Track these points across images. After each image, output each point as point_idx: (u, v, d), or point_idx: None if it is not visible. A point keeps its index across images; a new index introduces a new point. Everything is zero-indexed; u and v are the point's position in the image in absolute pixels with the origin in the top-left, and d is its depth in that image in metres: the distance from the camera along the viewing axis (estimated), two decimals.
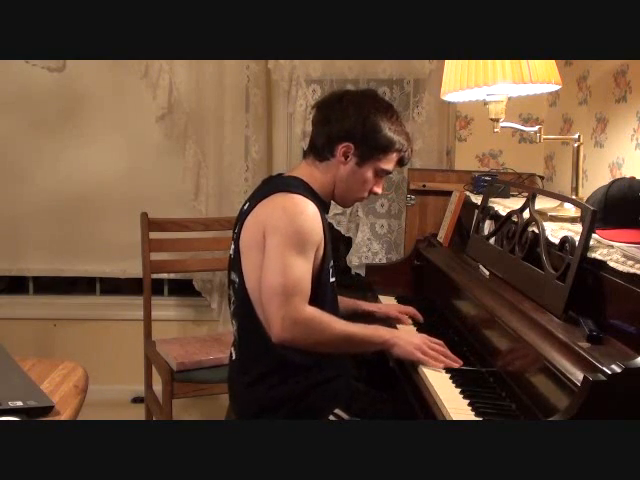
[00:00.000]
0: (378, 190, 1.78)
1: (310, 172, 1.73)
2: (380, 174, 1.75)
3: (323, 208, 1.71)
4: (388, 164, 1.73)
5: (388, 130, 1.69)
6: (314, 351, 1.61)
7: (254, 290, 1.63)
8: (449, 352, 1.65)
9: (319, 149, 1.72)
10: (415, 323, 1.98)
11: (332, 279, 1.72)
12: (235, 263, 1.69)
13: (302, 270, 1.57)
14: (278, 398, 1.63)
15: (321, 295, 1.64)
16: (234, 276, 1.70)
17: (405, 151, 1.75)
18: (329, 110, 1.73)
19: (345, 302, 1.96)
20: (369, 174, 1.72)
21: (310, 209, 1.61)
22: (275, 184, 1.70)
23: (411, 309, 2.01)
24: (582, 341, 1.29)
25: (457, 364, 1.61)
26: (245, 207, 1.73)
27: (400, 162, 1.77)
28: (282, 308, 1.54)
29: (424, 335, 1.73)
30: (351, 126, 1.67)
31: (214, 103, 2.82)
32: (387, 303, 2.04)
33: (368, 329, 1.70)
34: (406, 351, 1.63)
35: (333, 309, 1.69)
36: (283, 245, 1.56)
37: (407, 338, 1.67)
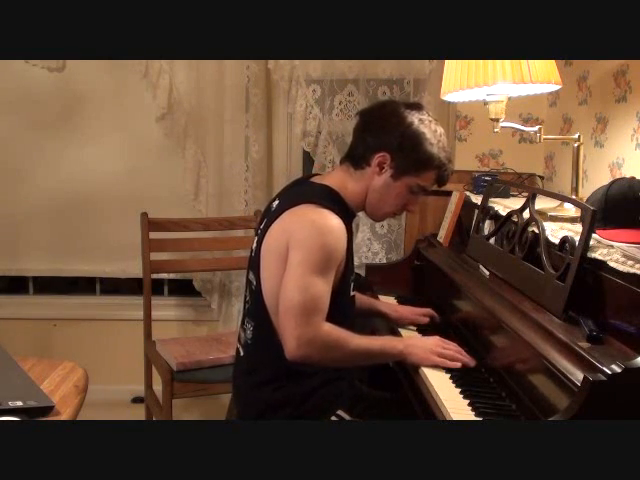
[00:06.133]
0: (412, 208, 1.72)
1: (343, 179, 1.68)
2: (416, 191, 1.67)
3: (350, 219, 1.67)
4: (425, 181, 1.66)
5: (429, 145, 1.62)
6: (329, 366, 1.60)
7: (270, 297, 1.60)
8: (463, 351, 1.64)
9: (356, 157, 1.67)
10: (418, 327, 1.94)
11: (352, 293, 1.71)
12: (254, 263, 1.65)
13: (322, 289, 1.53)
14: (281, 399, 1.62)
15: (341, 309, 1.61)
16: (252, 276, 1.67)
17: (445, 170, 1.67)
18: (371, 118, 1.68)
19: (362, 299, 1.95)
20: (403, 189, 1.65)
21: (337, 226, 1.56)
22: (305, 193, 1.64)
23: (427, 310, 1.94)
24: (582, 341, 1.29)
25: (472, 363, 1.60)
26: (274, 205, 1.69)
27: (438, 181, 1.69)
28: (299, 327, 1.50)
29: (436, 337, 1.69)
30: (389, 136, 1.62)
31: (214, 103, 2.82)
32: (403, 306, 2.00)
33: (383, 342, 1.68)
34: (422, 358, 1.60)
35: (351, 323, 1.65)
36: (306, 262, 1.52)
37: (421, 344, 1.64)
